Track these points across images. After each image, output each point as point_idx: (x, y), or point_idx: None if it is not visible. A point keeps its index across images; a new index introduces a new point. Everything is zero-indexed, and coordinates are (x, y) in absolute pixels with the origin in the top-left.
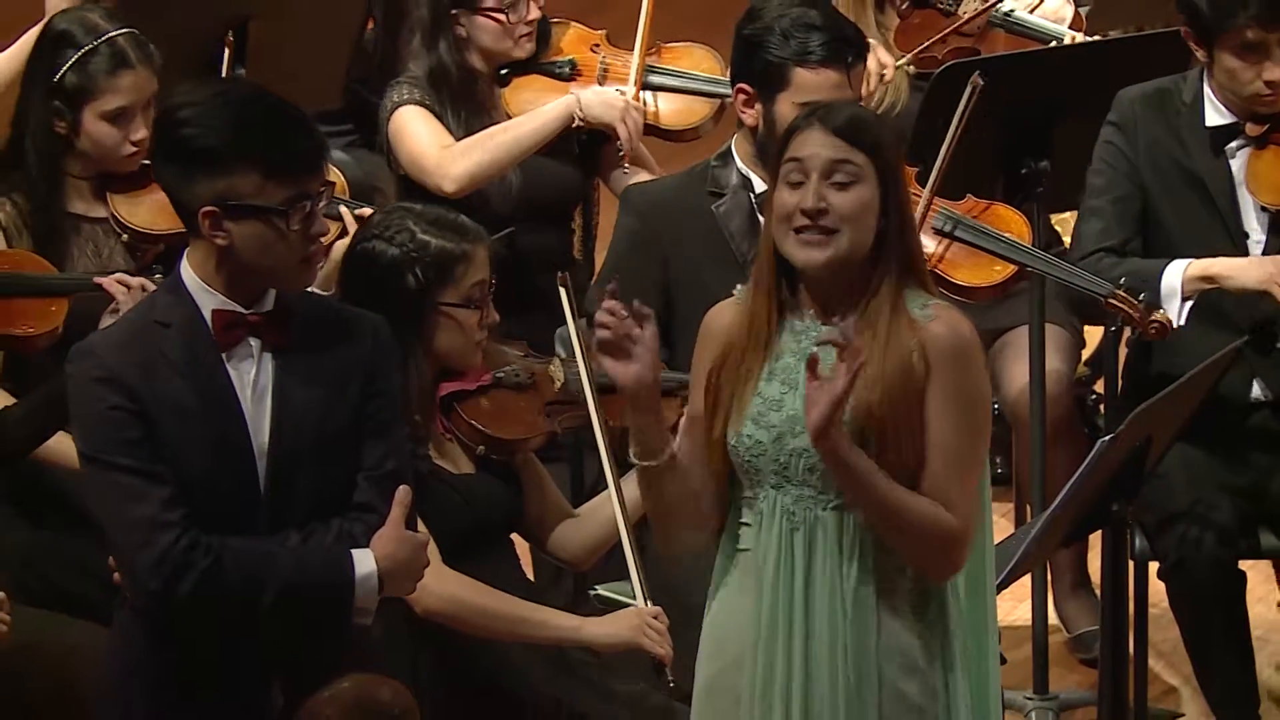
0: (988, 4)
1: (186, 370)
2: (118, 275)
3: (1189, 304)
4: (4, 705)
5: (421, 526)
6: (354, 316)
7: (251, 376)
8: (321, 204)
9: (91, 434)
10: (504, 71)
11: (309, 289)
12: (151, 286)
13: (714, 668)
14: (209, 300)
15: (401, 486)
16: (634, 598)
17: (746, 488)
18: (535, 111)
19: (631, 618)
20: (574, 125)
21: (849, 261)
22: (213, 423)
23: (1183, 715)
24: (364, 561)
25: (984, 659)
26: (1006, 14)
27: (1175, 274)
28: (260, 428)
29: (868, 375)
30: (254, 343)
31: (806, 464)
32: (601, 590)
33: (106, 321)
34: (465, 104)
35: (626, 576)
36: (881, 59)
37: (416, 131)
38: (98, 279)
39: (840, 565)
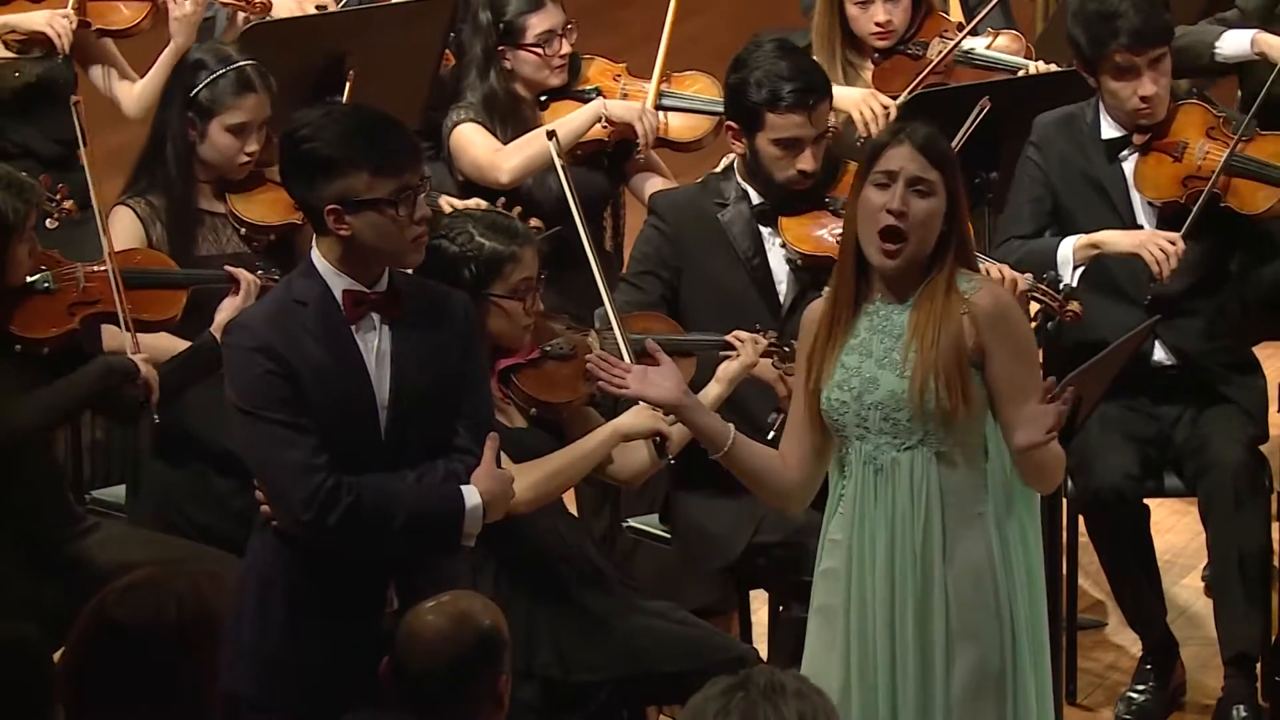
0: (950, 47)
1: (323, 340)
2: (240, 270)
3: (1079, 269)
4: (141, 622)
5: (506, 463)
6: (446, 294)
7: (374, 344)
8: (423, 194)
9: (250, 393)
10: (543, 98)
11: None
12: (259, 283)
13: (825, 596)
14: (339, 282)
15: (491, 433)
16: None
17: (840, 446)
18: (571, 114)
19: (643, 407)
20: (600, 123)
21: (914, 260)
22: (345, 382)
23: (1105, 624)
24: (471, 495)
25: (1035, 584)
26: (967, 52)
27: (1067, 246)
28: (382, 386)
29: (930, 338)
30: (375, 316)
31: (882, 415)
32: (633, 522)
33: (224, 307)
34: (512, 123)
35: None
36: (883, 101)
37: (474, 140)
38: (227, 268)
39: (912, 496)
